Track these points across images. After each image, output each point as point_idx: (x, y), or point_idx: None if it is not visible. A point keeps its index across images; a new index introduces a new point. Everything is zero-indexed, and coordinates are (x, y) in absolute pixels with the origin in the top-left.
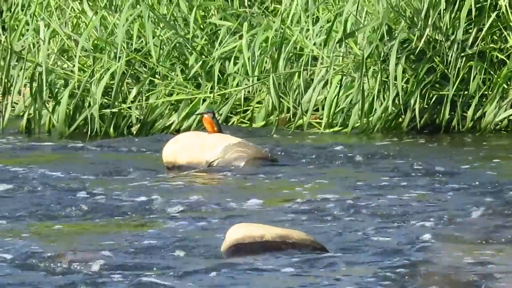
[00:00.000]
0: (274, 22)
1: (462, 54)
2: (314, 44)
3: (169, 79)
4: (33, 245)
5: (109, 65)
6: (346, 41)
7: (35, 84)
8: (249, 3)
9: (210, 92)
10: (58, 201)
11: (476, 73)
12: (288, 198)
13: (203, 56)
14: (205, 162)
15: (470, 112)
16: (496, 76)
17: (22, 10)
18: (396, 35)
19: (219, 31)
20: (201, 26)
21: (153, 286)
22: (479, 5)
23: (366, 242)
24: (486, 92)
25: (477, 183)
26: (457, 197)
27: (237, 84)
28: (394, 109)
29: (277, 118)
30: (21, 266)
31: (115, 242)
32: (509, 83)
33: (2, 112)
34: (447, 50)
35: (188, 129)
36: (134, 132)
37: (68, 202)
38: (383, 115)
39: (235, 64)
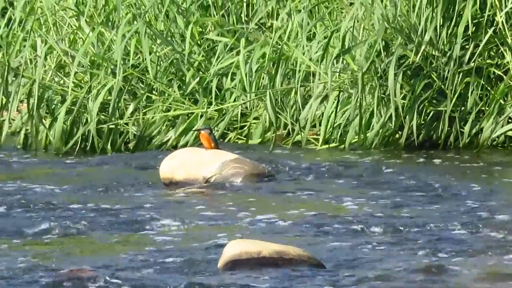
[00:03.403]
0: (271, 38)
1: (459, 70)
2: (311, 59)
3: (166, 95)
4: (28, 262)
5: (106, 81)
6: (343, 57)
7: (32, 100)
8: (246, 19)
9: (207, 108)
10: (54, 217)
11: (473, 89)
12: (285, 214)
13: (200, 72)
14: (202, 178)
15: (467, 128)
16: (493, 92)
17: (20, 26)
18: (393, 50)
19: (216, 47)
20: (198, 42)
21: None
22: (476, 21)
23: (363, 258)
24: (483, 108)
25: (474, 200)
26: (454, 214)
27: (234, 100)
28: (391, 125)
29: (274, 134)
30: (16, 282)
31: (111, 259)
32: (506, 99)
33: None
34: (444, 66)
35: (185, 145)
36: (131, 148)
37: (64, 218)
38: (380, 131)
39: (232, 80)
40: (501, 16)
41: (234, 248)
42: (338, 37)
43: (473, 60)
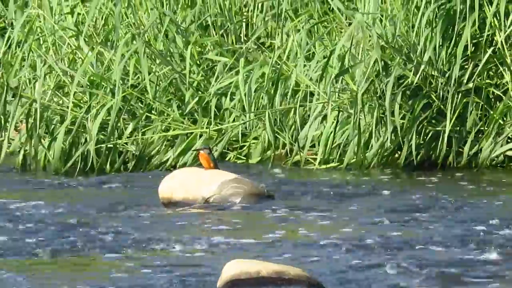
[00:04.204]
0: (270, 57)
1: (459, 90)
2: (311, 79)
3: (165, 115)
4: (26, 282)
5: (105, 101)
6: (342, 77)
7: (31, 120)
8: (245, 39)
9: (207, 128)
10: (52, 238)
11: (472, 109)
12: (284, 234)
13: (200, 92)
14: (202, 198)
15: (466, 148)
16: (492, 112)
17: (19, 46)
18: (392, 71)
19: (215, 67)
20: (198, 62)
21: None
22: (475, 41)
23: (361, 279)
24: (482, 128)
25: (474, 220)
26: (454, 234)
27: (234, 120)
28: (390, 145)
29: (273, 154)
30: None
31: (108, 279)
32: (505, 119)
33: None
34: (443, 86)
35: (184, 165)
36: (130, 168)
37: (62, 239)
38: (379, 151)
39: (231, 100)
40: (500, 36)
41: (233, 268)
42: (336, 57)
43: (472, 80)
